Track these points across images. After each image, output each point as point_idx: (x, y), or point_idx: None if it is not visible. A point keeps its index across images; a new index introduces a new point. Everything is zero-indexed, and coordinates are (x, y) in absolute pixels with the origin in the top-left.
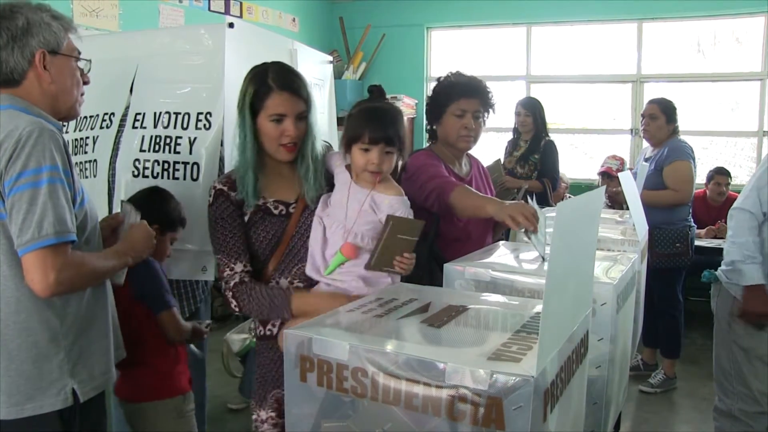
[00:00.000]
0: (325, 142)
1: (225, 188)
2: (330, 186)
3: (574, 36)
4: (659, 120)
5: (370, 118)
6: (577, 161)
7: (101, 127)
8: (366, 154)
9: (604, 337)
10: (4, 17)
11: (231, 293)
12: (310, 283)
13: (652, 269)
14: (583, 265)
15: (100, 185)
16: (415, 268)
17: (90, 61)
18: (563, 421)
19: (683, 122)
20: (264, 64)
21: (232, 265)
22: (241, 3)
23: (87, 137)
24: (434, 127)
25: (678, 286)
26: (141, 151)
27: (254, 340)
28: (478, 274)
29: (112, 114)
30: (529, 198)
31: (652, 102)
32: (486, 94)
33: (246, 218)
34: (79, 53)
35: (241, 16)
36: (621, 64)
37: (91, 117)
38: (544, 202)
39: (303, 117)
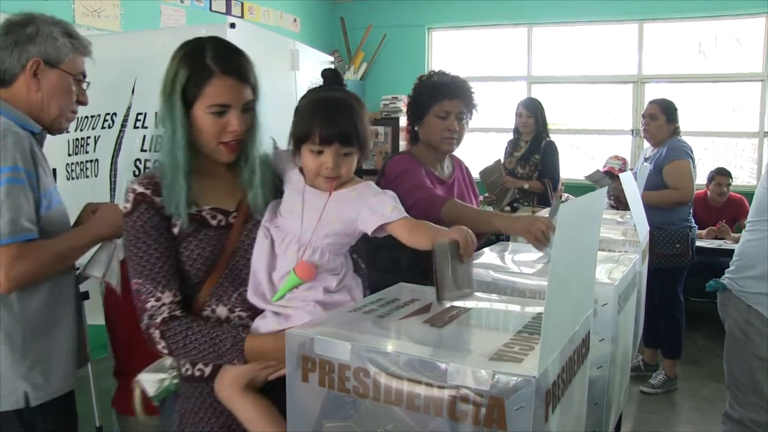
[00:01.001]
0: (270, 137)
1: (147, 192)
2: (279, 191)
3: (575, 36)
4: (659, 120)
5: (320, 112)
6: (577, 162)
7: (103, 127)
8: (318, 156)
9: (605, 337)
10: (18, 24)
11: (159, 332)
12: (255, 312)
13: (652, 269)
14: (584, 266)
15: (102, 185)
16: (403, 275)
17: (89, 83)
18: (565, 422)
19: (684, 123)
20: (198, 39)
21: (159, 295)
22: (242, 3)
23: (88, 137)
24: (416, 128)
25: (679, 286)
26: (142, 150)
27: (174, 381)
28: (479, 275)
29: (114, 114)
30: (544, 203)
31: (652, 102)
32: (469, 94)
33: (175, 231)
34: (84, 76)
35: (242, 17)
36: (622, 65)
37: (92, 117)
38: (544, 202)
39: (249, 108)
